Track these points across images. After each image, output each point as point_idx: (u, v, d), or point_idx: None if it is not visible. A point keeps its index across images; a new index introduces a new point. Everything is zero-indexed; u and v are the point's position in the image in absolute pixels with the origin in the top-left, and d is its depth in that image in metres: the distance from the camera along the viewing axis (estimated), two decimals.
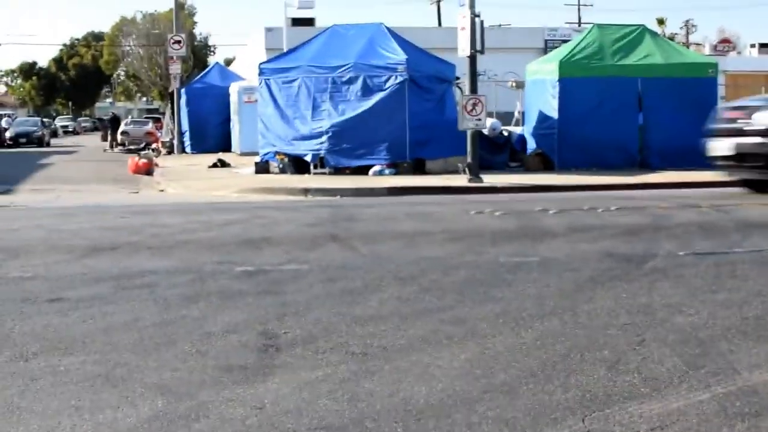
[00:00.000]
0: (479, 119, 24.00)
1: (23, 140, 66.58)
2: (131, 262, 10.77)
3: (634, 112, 27.95)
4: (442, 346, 6.94)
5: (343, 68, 27.28)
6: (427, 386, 5.97)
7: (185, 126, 46.56)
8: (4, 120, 75.04)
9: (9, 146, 64.84)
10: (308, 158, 27.68)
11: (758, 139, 17.39)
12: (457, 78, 28.78)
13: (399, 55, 27.18)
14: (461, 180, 23.74)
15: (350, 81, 27.15)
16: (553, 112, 27.89)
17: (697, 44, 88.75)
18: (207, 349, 6.87)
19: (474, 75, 24.66)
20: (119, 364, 6.49)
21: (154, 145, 51.82)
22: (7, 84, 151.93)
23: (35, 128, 70.68)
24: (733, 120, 18.35)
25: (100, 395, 5.84)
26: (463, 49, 24.33)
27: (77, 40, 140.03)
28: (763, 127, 17.40)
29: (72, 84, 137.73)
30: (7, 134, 67.72)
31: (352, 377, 6.17)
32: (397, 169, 26.53)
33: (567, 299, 8.54)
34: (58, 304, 8.46)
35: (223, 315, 7.96)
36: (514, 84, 36.00)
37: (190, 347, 6.93)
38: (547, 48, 50.35)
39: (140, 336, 7.27)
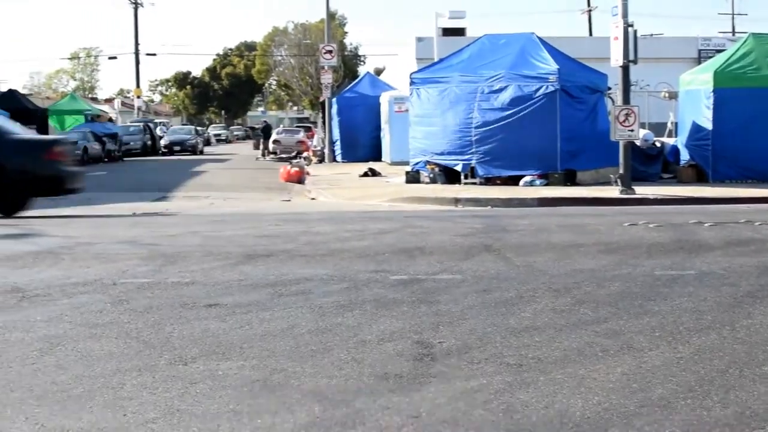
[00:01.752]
0: (632, 130, 23.73)
1: (177, 148, 68.03)
2: (286, 269, 10.89)
3: None
4: (598, 358, 6.86)
5: (494, 78, 27.24)
6: (583, 399, 5.90)
7: (336, 135, 47.03)
8: (158, 128, 76.80)
9: (163, 154, 66.35)
10: (459, 168, 27.69)
11: None
12: (609, 88, 28.51)
13: (550, 65, 27.02)
14: (613, 191, 23.48)
15: (501, 91, 27.10)
16: (707, 123, 27.36)
17: None
18: (362, 357, 6.90)
19: (627, 85, 24.39)
20: (276, 370, 6.56)
21: (305, 154, 52.47)
22: (162, 93, 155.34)
23: (189, 136, 72.14)
24: None
25: (258, 400, 5.91)
26: (616, 59, 24.10)
27: (230, 50, 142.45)
28: None
29: (225, 93, 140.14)
30: (162, 142, 69.28)
31: (507, 388, 6.13)
32: (547, 179, 26.37)
33: (725, 313, 8.37)
34: (215, 309, 8.61)
35: (378, 323, 7.99)
36: (667, 94, 35.45)
37: (346, 355, 6.97)
38: (700, 58, 49.41)
39: (296, 343, 7.34)
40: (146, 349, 7.14)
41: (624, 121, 23.55)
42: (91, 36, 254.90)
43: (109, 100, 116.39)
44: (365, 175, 33.44)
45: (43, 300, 9.09)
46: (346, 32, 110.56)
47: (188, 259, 11.75)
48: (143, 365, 6.69)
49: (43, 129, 54.33)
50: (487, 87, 27.26)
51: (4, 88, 79.06)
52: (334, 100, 47.74)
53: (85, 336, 7.58)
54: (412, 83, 29.66)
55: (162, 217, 19.12)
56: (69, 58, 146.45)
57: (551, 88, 26.47)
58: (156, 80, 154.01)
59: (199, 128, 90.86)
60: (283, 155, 55.27)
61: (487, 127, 27.00)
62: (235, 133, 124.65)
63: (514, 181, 26.62)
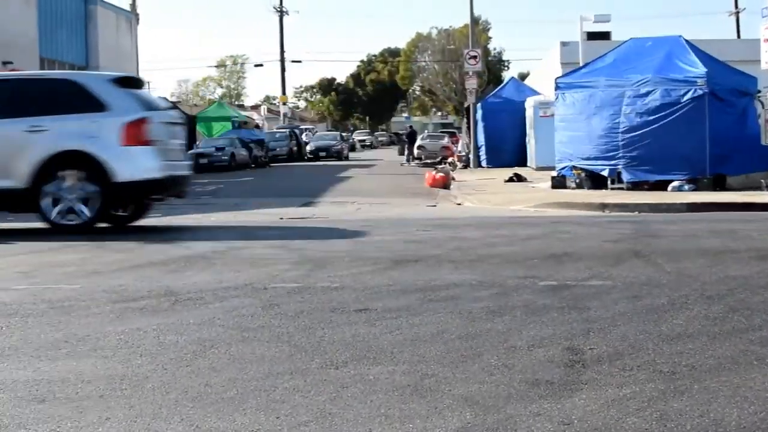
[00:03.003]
0: None
1: (323, 154, 68.78)
2: (435, 274, 10.90)
3: None
4: (753, 367, 6.70)
5: (641, 82, 26.89)
6: (738, 408, 5.77)
7: (481, 140, 46.99)
8: (304, 134, 77.73)
9: (309, 160, 67.15)
10: (605, 173, 27.41)
11: None
12: (759, 91, 27.88)
13: (698, 68, 26.57)
14: (765, 196, 22.95)
15: (648, 95, 26.75)
16: None
17: None
18: (513, 363, 6.86)
19: None
20: (427, 375, 6.56)
21: (450, 159, 52.53)
22: (307, 99, 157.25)
23: (334, 142, 72.88)
24: None
25: (409, 405, 5.91)
26: (767, 61, 23.56)
27: (374, 56, 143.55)
28: None
29: (369, 99, 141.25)
30: (308, 148, 70.14)
31: (660, 396, 6.03)
32: (696, 184, 25.90)
33: None
34: (365, 314, 8.66)
35: (528, 329, 7.94)
36: None
37: (496, 360, 6.94)
38: None
39: (446, 348, 7.34)
40: (297, 353, 7.22)
41: None
42: (237, 44, 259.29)
43: (255, 107, 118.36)
44: (510, 180, 33.32)
45: (196, 303, 9.26)
46: (490, 37, 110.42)
47: (337, 264, 11.85)
48: (295, 369, 6.76)
49: (191, 136, 55.47)
50: (634, 91, 26.93)
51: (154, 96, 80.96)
52: (478, 105, 47.71)
53: (238, 339, 7.70)
54: (557, 88, 29.49)
55: (310, 222, 19.31)
56: (216, 66, 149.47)
57: (699, 92, 26.02)
58: (301, 87, 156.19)
59: (344, 134, 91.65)
60: (428, 161, 55.45)
61: (634, 132, 26.68)
62: (380, 138, 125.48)
63: (661, 186, 26.22)
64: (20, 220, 18.99)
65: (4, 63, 43.13)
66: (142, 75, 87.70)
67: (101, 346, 7.52)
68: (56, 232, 16.36)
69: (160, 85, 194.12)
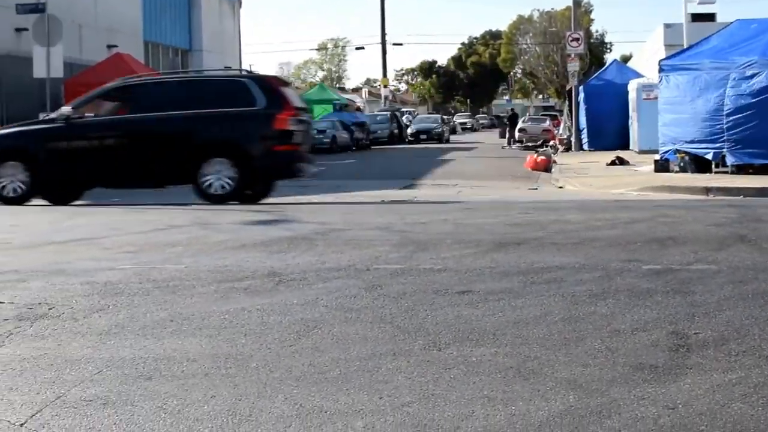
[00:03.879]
0: None
1: (423, 136, 68.78)
2: (537, 257, 10.85)
3: None
4: None
5: (746, 64, 26.43)
6: None
7: (583, 123, 46.62)
8: (405, 117, 77.79)
9: (410, 142, 67.21)
10: (709, 156, 27.04)
11: None
12: None
13: None
14: None
15: (753, 77, 26.27)
16: None
17: None
18: (616, 347, 6.81)
19: None
20: (530, 358, 6.55)
21: (551, 142, 52.20)
22: (408, 82, 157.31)
23: (435, 125, 72.82)
24: None
25: (512, 387, 5.91)
26: None
27: (475, 39, 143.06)
28: None
29: (470, 82, 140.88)
30: (408, 131, 70.19)
31: (766, 382, 5.95)
32: None
33: None
34: (468, 296, 8.66)
35: (632, 313, 7.88)
36: None
37: (600, 344, 6.90)
38: None
39: (549, 330, 7.32)
40: (400, 334, 7.25)
41: None
42: (338, 27, 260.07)
43: (356, 90, 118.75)
44: (612, 163, 33.02)
45: (299, 284, 9.34)
46: (592, 19, 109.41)
47: (439, 246, 11.86)
48: (398, 350, 6.79)
49: None
50: (739, 74, 26.48)
51: None
52: (580, 88, 47.31)
53: (341, 320, 7.75)
54: (661, 70, 29.12)
55: (411, 204, 19.35)
56: (317, 49, 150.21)
57: None
58: (402, 70, 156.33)
59: (444, 117, 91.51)
60: (529, 144, 55.14)
61: (739, 115, 26.23)
62: (481, 121, 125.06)
63: (767, 169, 25.77)
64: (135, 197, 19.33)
65: (109, 47, 43.81)
66: (244, 58, 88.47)
67: (206, 326, 7.63)
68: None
69: (261, 69, 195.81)
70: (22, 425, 5.30)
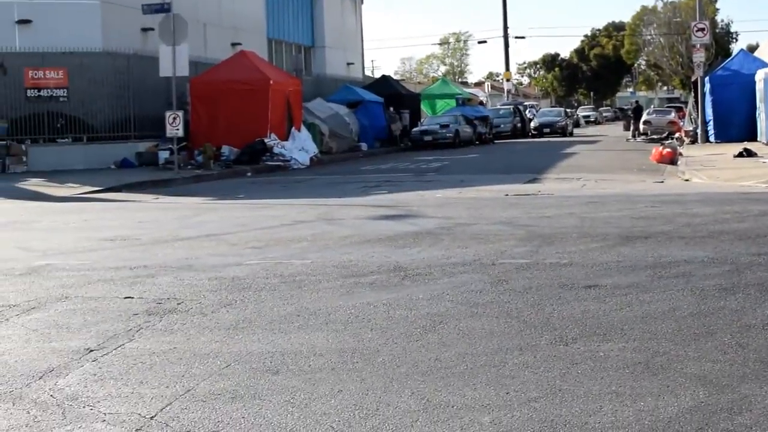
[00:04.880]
0: None
1: (546, 130, 68.19)
2: (665, 251, 10.69)
3: None
4: None
5: None
6: None
7: (708, 114, 45.74)
8: (528, 110, 77.32)
9: (533, 136, 66.71)
10: None
11: None
12: None
13: None
14: None
15: None
16: None
17: None
18: (747, 342, 6.68)
19: None
20: (658, 353, 6.46)
21: (676, 135, 51.32)
22: (530, 75, 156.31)
23: (558, 118, 72.12)
24: None
25: (640, 382, 5.83)
26: None
27: (598, 30, 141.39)
28: None
29: (593, 74, 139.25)
30: (532, 124, 69.69)
31: None
32: None
33: None
34: (594, 290, 8.57)
35: (763, 308, 7.71)
36: None
37: (730, 339, 6.77)
38: None
39: (678, 325, 7.20)
40: (527, 329, 7.21)
41: None
42: (460, 21, 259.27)
43: (478, 84, 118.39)
44: (740, 155, 32.33)
45: (425, 279, 9.34)
46: (718, 9, 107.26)
47: (565, 240, 11.76)
48: (524, 344, 6.75)
49: (415, 113, 55.86)
50: None
51: (377, 74, 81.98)
52: (706, 78, 46.46)
53: (467, 315, 7.73)
54: None
55: (536, 198, 19.22)
56: (439, 44, 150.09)
57: None
58: (524, 63, 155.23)
59: (568, 110, 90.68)
60: (654, 136, 54.27)
61: None
62: (604, 114, 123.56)
63: None
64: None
65: (234, 45, 44.32)
66: (367, 54, 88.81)
67: (332, 320, 7.68)
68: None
69: (383, 64, 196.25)
70: (152, 418, 5.38)
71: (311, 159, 36.04)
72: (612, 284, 8.80)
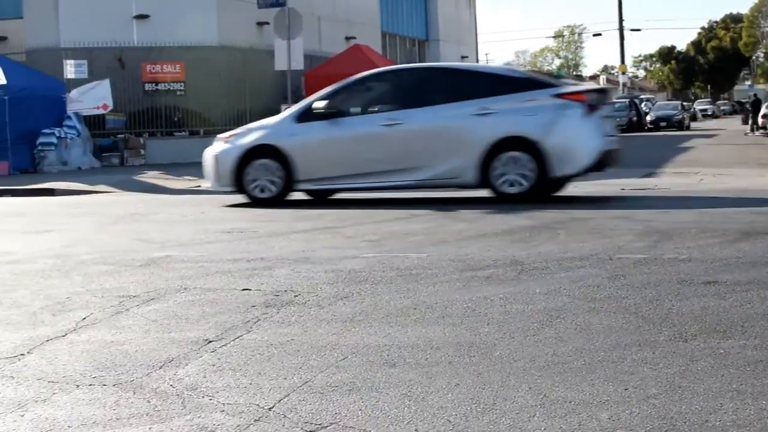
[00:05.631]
0: None
1: (663, 124, 67.49)
2: None
3: None
4: None
5: None
6: None
7: None
8: (643, 104, 76.47)
9: (649, 130, 66.01)
10: None
11: None
12: None
13: None
14: None
15: None
16: None
17: None
18: None
19: None
20: None
21: None
22: (646, 68, 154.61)
23: (675, 112, 71.35)
24: None
25: (762, 381, 5.72)
26: None
27: (715, 22, 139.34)
28: None
29: (710, 67, 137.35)
30: (648, 118, 68.97)
31: None
32: None
33: None
34: (714, 286, 8.44)
35: None
36: None
37: None
38: None
39: None
40: (645, 325, 7.12)
41: None
42: (575, 13, 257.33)
43: (593, 77, 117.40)
44: None
45: (541, 273, 9.29)
46: None
47: (683, 235, 11.61)
48: (643, 340, 6.67)
49: None
50: None
51: None
52: None
53: (584, 310, 7.67)
54: None
55: (652, 192, 18.99)
56: (553, 37, 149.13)
57: None
58: (640, 56, 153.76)
59: (684, 103, 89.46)
60: None
61: None
62: (722, 108, 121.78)
63: None
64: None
65: (348, 38, 44.56)
66: (480, 47, 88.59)
67: (449, 314, 7.68)
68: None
69: (497, 57, 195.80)
70: (270, 409, 5.43)
71: None
72: (732, 280, 8.66)
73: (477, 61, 68.63)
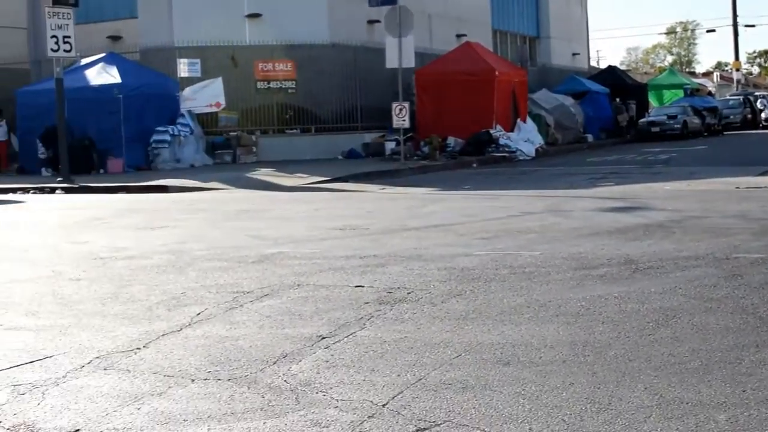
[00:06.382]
0: None
1: None
2: None
3: None
4: None
5: None
6: None
7: None
8: (759, 101, 75.05)
9: (764, 127, 64.74)
10: None
11: None
12: None
13: None
14: None
15: None
16: None
17: None
18: None
19: None
20: None
21: None
22: (761, 65, 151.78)
23: None
24: None
25: None
26: None
27: None
28: None
29: None
30: (762, 115, 67.66)
31: None
32: None
33: None
34: None
35: None
36: None
37: None
38: None
39: None
40: (763, 326, 6.99)
41: None
42: (687, 9, 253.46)
43: (706, 74, 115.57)
44: None
45: (656, 272, 9.17)
46: None
47: None
48: (761, 341, 6.55)
49: (642, 104, 54.87)
50: None
51: (602, 65, 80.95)
52: None
53: (700, 310, 7.55)
54: None
55: (766, 192, 18.64)
56: (666, 33, 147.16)
57: None
58: (755, 52, 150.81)
59: None
60: None
61: None
62: None
63: None
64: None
65: (458, 36, 44.46)
66: (591, 44, 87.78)
67: (563, 312, 7.62)
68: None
69: (608, 54, 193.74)
70: (384, 406, 5.44)
71: (536, 150, 35.87)
72: None
73: (588, 57, 68.04)
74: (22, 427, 5.26)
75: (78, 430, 5.20)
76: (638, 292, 8.26)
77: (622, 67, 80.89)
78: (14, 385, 6.03)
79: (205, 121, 34.07)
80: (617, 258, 10.01)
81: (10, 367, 6.47)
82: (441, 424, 5.11)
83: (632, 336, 6.80)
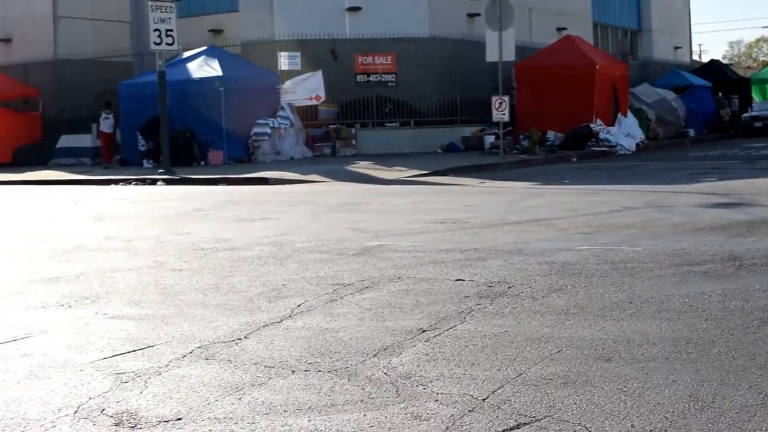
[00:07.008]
0: None
1: None
2: None
3: None
4: None
5: None
6: None
7: None
8: None
9: None
10: None
11: None
12: None
13: None
14: None
15: None
16: None
17: None
18: None
19: None
20: None
21: None
22: None
23: None
24: None
25: None
26: None
27: None
28: None
29: None
30: None
31: None
32: None
33: None
34: None
35: None
36: None
37: None
38: None
39: None
40: None
41: None
42: None
43: None
44: None
45: (760, 269, 9.04)
46: None
47: None
48: None
49: (745, 99, 54.00)
50: None
51: (705, 59, 79.74)
52: None
53: None
54: None
55: None
56: None
57: None
58: None
59: None
60: None
61: None
62: None
63: None
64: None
65: (559, 30, 44.17)
66: (694, 38, 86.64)
67: (665, 309, 7.53)
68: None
69: (711, 48, 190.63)
70: (484, 400, 5.42)
71: (637, 145, 35.52)
72: None
73: (690, 51, 67.15)
74: (125, 414, 5.35)
75: (180, 418, 5.27)
76: (742, 290, 8.14)
77: (725, 61, 79.62)
78: (117, 374, 6.13)
79: (305, 113, 34.29)
80: (720, 254, 9.88)
81: (113, 356, 6.59)
82: (542, 419, 5.09)
83: (736, 333, 6.70)
